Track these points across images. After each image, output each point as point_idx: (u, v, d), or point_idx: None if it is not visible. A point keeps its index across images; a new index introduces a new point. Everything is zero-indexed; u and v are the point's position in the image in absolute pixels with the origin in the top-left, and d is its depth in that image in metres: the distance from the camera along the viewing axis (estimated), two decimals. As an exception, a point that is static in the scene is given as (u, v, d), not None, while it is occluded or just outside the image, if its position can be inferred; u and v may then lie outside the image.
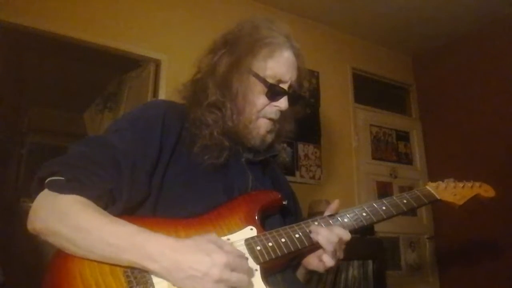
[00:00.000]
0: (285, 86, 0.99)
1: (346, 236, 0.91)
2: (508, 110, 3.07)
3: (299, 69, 1.03)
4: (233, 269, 0.71)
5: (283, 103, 0.98)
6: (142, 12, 2.65)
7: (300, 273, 1.03)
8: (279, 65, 0.98)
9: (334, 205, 0.98)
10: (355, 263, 2.62)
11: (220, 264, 0.69)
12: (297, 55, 1.03)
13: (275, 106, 0.98)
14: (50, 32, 2.35)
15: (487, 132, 3.20)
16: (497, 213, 2.85)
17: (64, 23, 2.37)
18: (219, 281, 0.69)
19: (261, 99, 0.97)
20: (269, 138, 1.02)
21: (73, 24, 2.40)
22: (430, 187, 1.10)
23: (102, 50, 2.52)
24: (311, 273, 1.01)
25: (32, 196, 0.80)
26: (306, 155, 3.05)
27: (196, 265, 0.69)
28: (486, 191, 1.14)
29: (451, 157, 3.39)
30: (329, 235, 0.89)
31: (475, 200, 1.13)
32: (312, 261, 0.96)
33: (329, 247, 0.88)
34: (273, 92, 0.97)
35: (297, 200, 1.20)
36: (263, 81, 0.96)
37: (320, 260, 0.92)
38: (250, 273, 0.77)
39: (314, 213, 0.91)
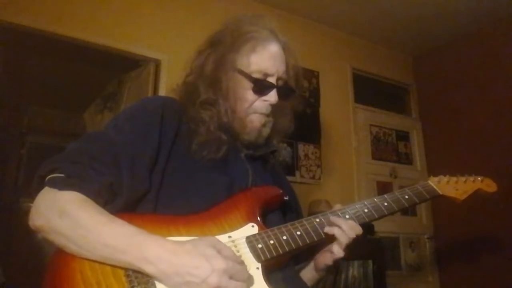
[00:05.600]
0: (272, 80, 0.98)
1: (359, 230, 0.92)
2: (508, 110, 3.07)
3: (288, 62, 1.02)
4: (231, 276, 0.70)
5: (272, 96, 0.97)
6: (142, 12, 2.65)
7: (309, 275, 1.02)
8: (263, 59, 0.97)
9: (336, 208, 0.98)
10: (355, 263, 2.62)
11: (219, 270, 0.68)
12: (284, 48, 1.02)
13: (265, 100, 0.97)
14: (50, 32, 2.35)
15: (487, 132, 3.20)
16: (497, 213, 2.85)
17: (64, 23, 2.37)
18: None
19: (249, 95, 0.97)
20: (265, 132, 1.01)
21: (73, 24, 2.40)
22: (432, 181, 1.09)
23: (102, 50, 2.52)
24: (322, 272, 1.00)
25: (33, 195, 0.79)
26: (306, 155, 3.05)
27: (194, 270, 0.68)
28: (488, 185, 1.13)
29: (451, 157, 3.39)
30: (347, 228, 0.90)
31: (477, 196, 1.12)
32: (323, 258, 0.96)
33: (345, 240, 0.90)
34: (260, 86, 0.97)
35: (297, 198, 1.20)
36: (248, 76, 0.96)
37: (331, 252, 0.92)
38: (249, 278, 0.76)
39: (314, 213, 0.91)
